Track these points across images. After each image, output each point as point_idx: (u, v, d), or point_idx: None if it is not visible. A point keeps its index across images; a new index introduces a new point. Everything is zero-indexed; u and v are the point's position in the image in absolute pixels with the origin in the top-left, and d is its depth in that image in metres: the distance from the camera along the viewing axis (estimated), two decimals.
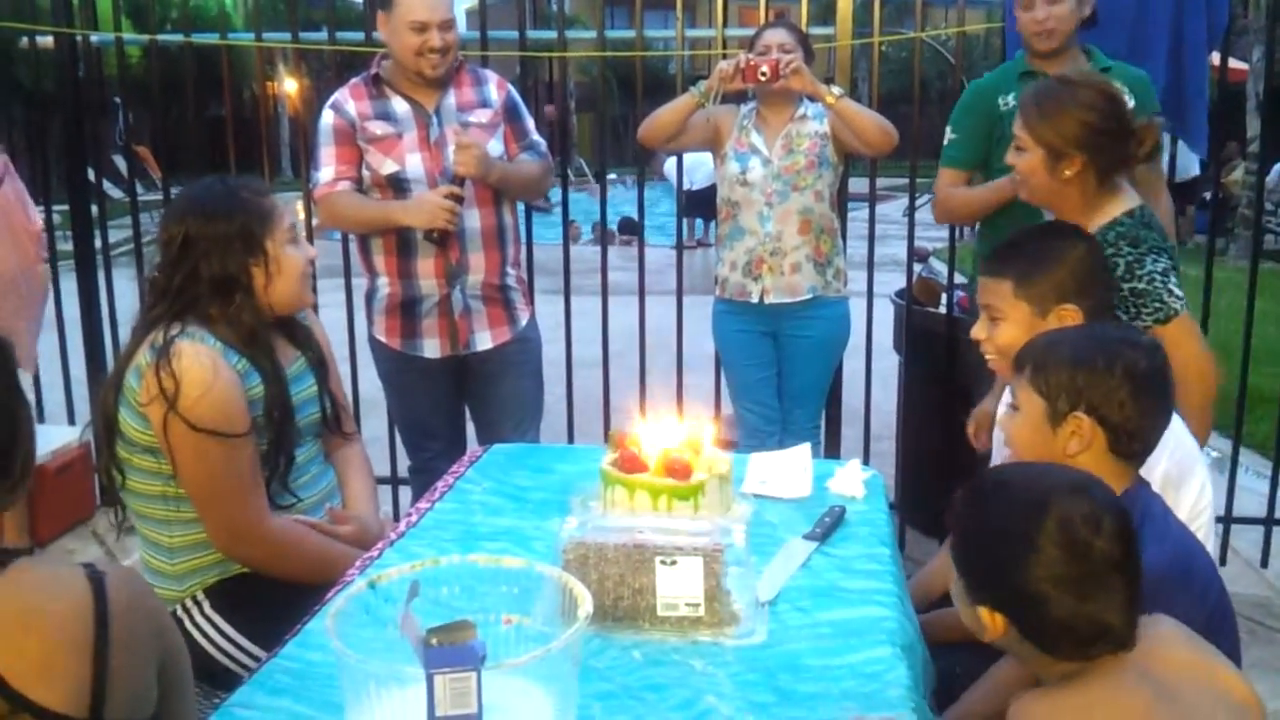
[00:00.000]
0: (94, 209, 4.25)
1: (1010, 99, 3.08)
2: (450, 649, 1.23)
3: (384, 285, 3.19)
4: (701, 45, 4.38)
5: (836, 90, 3.27)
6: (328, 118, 3.14)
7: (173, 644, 1.35)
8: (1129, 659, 1.31)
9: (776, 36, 3.38)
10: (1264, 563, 3.85)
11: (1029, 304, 2.06)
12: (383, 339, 3.25)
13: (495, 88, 3.24)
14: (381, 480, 3.14)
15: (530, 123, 3.32)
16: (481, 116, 3.16)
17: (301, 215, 2.42)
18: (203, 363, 1.99)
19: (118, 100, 5.12)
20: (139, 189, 4.45)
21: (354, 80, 3.19)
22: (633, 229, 4.35)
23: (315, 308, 2.99)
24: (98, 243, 4.18)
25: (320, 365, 2.33)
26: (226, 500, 2.04)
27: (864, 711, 1.47)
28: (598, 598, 1.65)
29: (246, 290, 2.11)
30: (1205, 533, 1.96)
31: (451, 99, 3.14)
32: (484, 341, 3.23)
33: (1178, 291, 2.24)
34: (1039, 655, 1.36)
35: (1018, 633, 1.35)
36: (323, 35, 3.97)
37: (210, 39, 4.02)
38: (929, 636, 1.88)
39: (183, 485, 2.04)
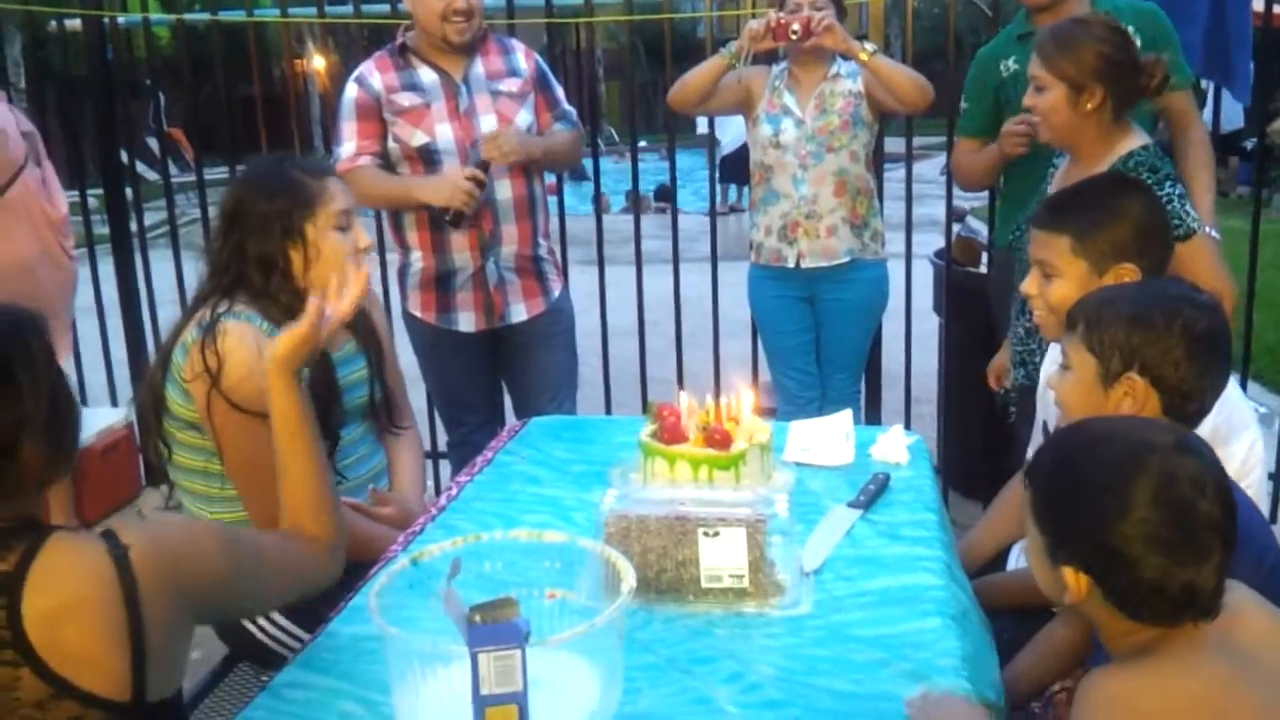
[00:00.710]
0: (129, 192, 4.27)
1: (1010, 63, 3.02)
2: (494, 627, 1.22)
3: (417, 260, 3.16)
4: (730, 5, 4.32)
5: (870, 47, 3.21)
6: (351, 91, 3.10)
7: (207, 579, 1.35)
8: (1209, 629, 1.25)
9: None
10: None
11: (1087, 261, 1.98)
12: (418, 313, 3.23)
13: (523, 57, 3.21)
14: None
15: (560, 91, 3.29)
16: (511, 85, 3.13)
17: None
18: (247, 344, 1.98)
19: (149, 83, 5.11)
20: (173, 170, 4.46)
21: (379, 52, 3.16)
22: (668, 196, 4.29)
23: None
24: (134, 225, 4.20)
25: (373, 349, 2.31)
26: (267, 480, 2.03)
27: (916, 682, 1.45)
28: (640, 571, 1.64)
29: (284, 273, 2.10)
30: (1255, 491, 1.92)
31: (480, 67, 3.11)
32: (519, 314, 3.22)
33: (1194, 213, 2.32)
34: (1119, 620, 1.29)
35: (1101, 595, 1.29)
36: (348, 9, 3.95)
37: (237, 16, 4.00)
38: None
39: (225, 463, 2.04)
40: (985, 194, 3.80)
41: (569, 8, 4.47)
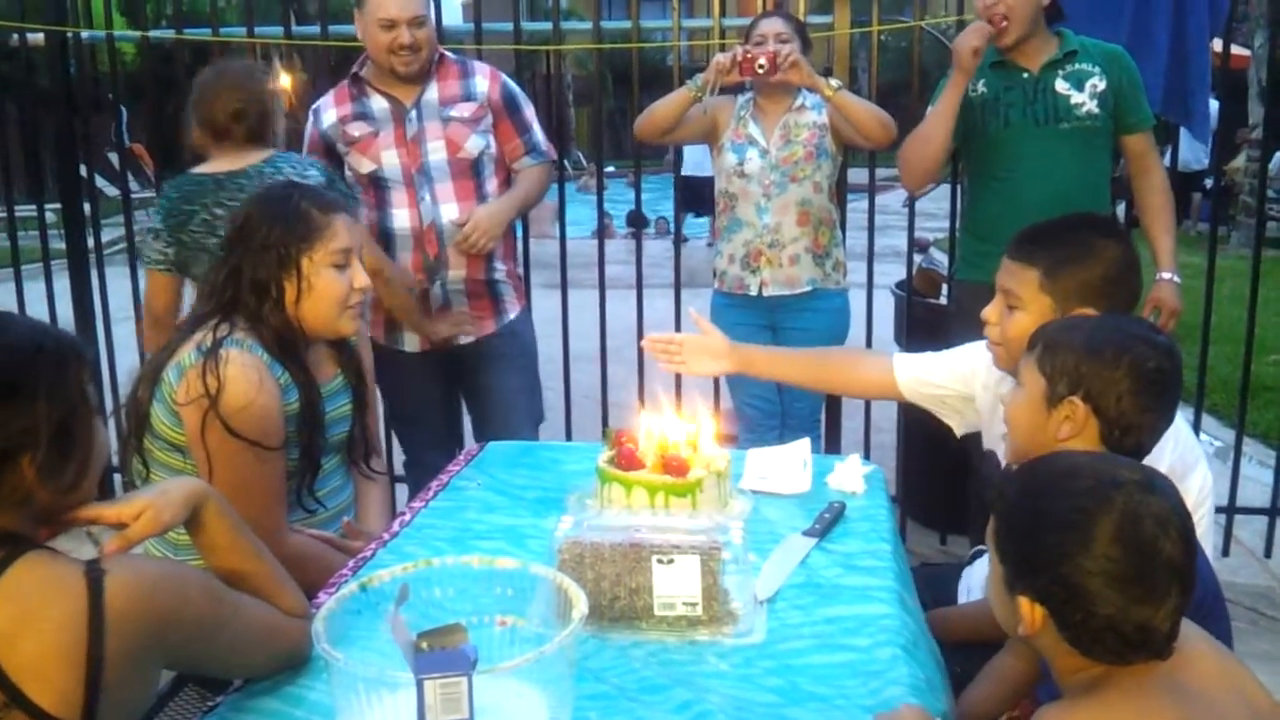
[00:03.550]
0: (87, 207, 4.22)
1: (980, 86, 3.06)
2: (441, 654, 1.21)
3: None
4: (699, 35, 4.35)
5: (835, 83, 3.24)
6: (308, 125, 3.18)
7: (189, 629, 1.34)
8: (1160, 668, 1.25)
9: (773, 26, 3.34)
10: (1267, 553, 3.82)
11: (1052, 298, 1.99)
12: (367, 332, 3.22)
13: (486, 79, 3.20)
14: None
15: (530, 113, 3.27)
16: (464, 110, 3.12)
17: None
18: (249, 375, 1.97)
19: (111, 97, 5.08)
20: (134, 186, 4.42)
21: (342, 83, 3.20)
22: (638, 222, 4.30)
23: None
24: (91, 241, 4.15)
25: (358, 388, 2.31)
26: (249, 511, 2.01)
27: (868, 711, 1.45)
28: (594, 598, 1.63)
29: (276, 301, 2.08)
30: (1206, 525, 1.94)
31: (433, 93, 3.12)
32: (464, 336, 3.22)
33: None
34: (1071, 656, 1.29)
35: (1055, 629, 1.29)
36: (315, 29, 3.94)
37: (203, 34, 3.98)
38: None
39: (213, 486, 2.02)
40: (947, 225, 3.84)
41: (539, 34, 4.48)
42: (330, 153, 3.14)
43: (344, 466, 2.33)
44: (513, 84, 3.27)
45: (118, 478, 3.14)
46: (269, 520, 2.01)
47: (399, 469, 3.98)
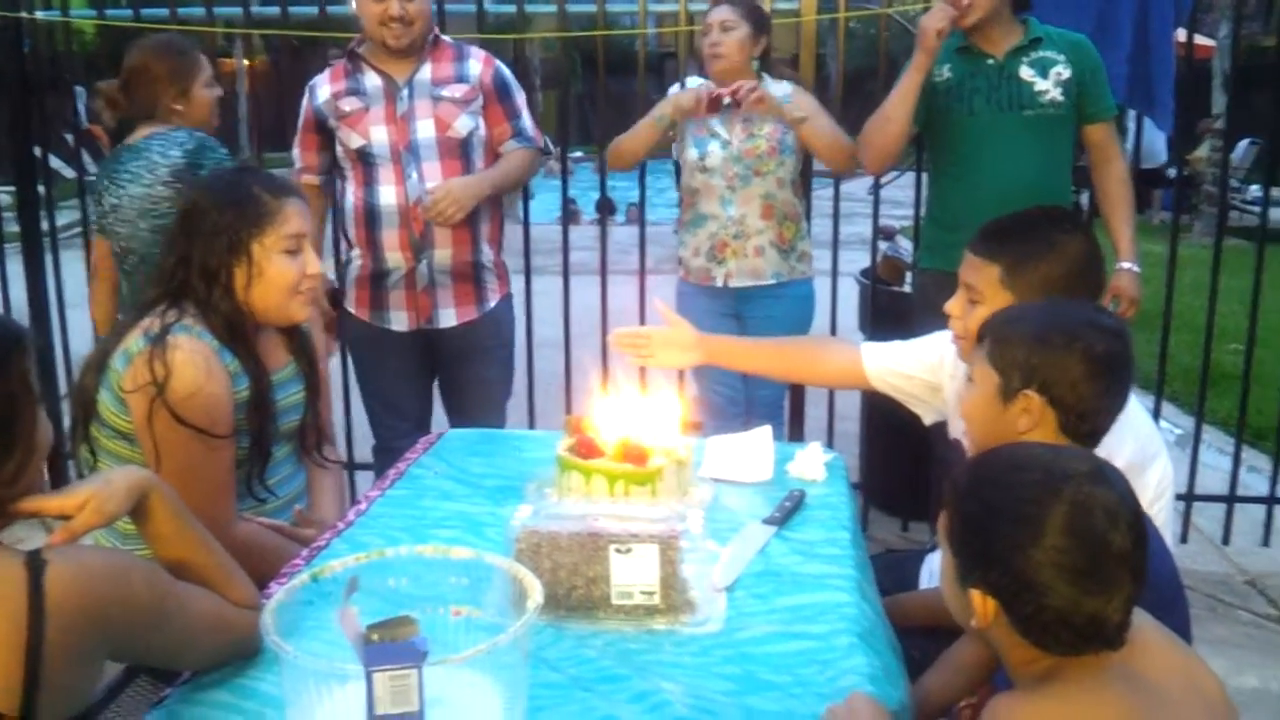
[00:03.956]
0: (41, 190, 4.15)
1: (945, 71, 3.06)
2: (390, 646, 1.19)
3: (356, 256, 3.21)
4: (667, 20, 4.32)
5: (799, 112, 3.23)
6: (304, 101, 3.21)
7: (133, 619, 1.32)
8: (1113, 658, 1.25)
9: (719, 14, 3.32)
10: (1225, 540, 3.87)
11: (1014, 294, 1.98)
12: (353, 310, 3.26)
13: (480, 63, 3.21)
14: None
15: (521, 100, 3.28)
16: (456, 91, 3.13)
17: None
18: (197, 362, 1.94)
19: (67, 78, 4.98)
20: (91, 169, 4.34)
21: (338, 60, 3.23)
22: (606, 208, 4.28)
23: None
24: (45, 224, 4.08)
25: (310, 375, 2.27)
26: (197, 500, 1.98)
27: (824, 699, 1.44)
28: (550, 587, 1.62)
29: (225, 287, 2.05)
30: (1166, 514, 1.95)
31: (427, 73, 3.14)
32: (448, 319, 3.21)
33: None
34: (1023, 648, 1.29)
35: (1007, 621, 1.29)
36: (275, 11, 3.88)
37: (160, 15, 3.92)
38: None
39: (160, 475, 1.99)
40: (912, 213, 3.84)
41: (504, 16, 4.44)
42: (322, 128, 3.17)
43: (295, 455, 2.30)
44: (506, 70, 3.27)
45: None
46: (218, 509, 1.98)
47: (359, 457, 3.97)
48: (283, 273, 2.08)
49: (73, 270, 4.01)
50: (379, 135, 3.08)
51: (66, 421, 2.09)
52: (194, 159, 2.93)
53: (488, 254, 3.23)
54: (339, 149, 3.16)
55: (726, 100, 3.17)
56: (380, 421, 3.41)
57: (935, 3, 2.97)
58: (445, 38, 3.24)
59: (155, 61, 3.01)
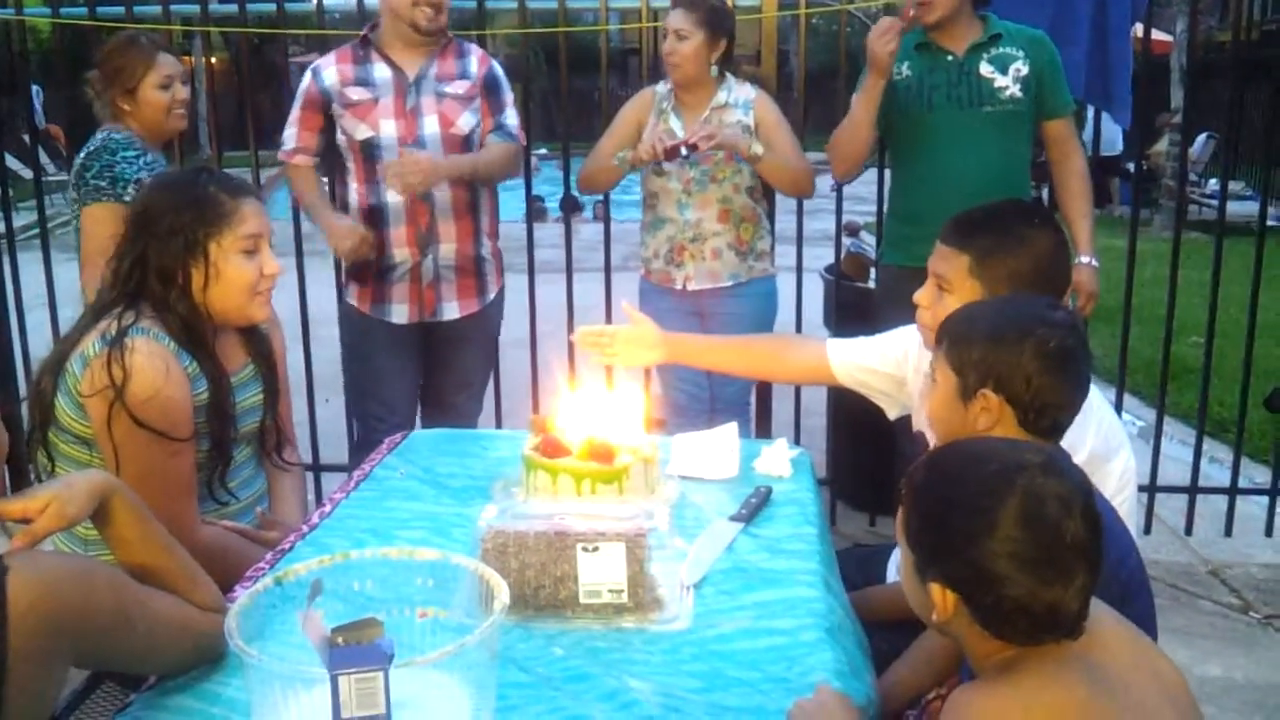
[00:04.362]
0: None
1: (905, 69, 3.08)
2: (356, 648, 1.19)
3: None
4: (630, 16, 4.31)
5: (758, 148, 3.24)
6: (305, 80, 3.21)
7: (96, 625, 1.30)
8: (1072, 648, 1.26)
9: (673, 20, 3.30)
10: (1188, 530, 3.91)
11: (982, 284, 1.99)
12: (354, 302, 3.29)
13: (477, 61, 3.27)
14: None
15: (508, 98, 3.32)
16: (459, 88, 3.19)
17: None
18: (155, 364, 1.92)
19: (30, 82, 4.92)
20: (50, 169, 4.29)
21: (343, 45, 3.24)
22: (572, 206, 4.27)
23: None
24: (2, 226, 4.02)
25: (269, 377, 2.25)
26: (158, 503, 1.96)
27: (791, 694, 1.45)
28: (518, 587, 1.62)
29: (182, 289, 2.02)
30: (1130, 505, 1.97)
31: (434, 68, 3.18)
32: (451, 311, 3.27)
33: None
34: (984, 640, 1.30)
35: (967, 614, 1.29)
36: (233, 8, 3.84)
37: (116, 13, 3.86)
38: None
39: (121, 479, 1.96)
40: (875, 209, 3.86)
41: (466, 12, 4.41)
42: (325, 111, 3.17)
43: (256, 457, 2.28)
44: (499, 69, 3.32)
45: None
46: (180, 513, 1.96)
47: (324, 458, 3.94)
48: (241, 273, 2.05)
49: (31, 272, 3.96)
50: (388, 128, 3.11)
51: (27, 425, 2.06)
52: (83, 163, 2.92)
53: (487, 246, 3.30)
54: (340, 137, 3.17)
55: (684, 151, 3.17)
56: (368, 413, 3.41)
57: (899, 1, 2.97)
58: (449, 33, 3.27)
59: (105, 60, 2.98)
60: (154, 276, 2.01)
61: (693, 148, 3.16)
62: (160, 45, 3.04)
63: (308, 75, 3.20)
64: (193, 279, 2.02)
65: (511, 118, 3.29)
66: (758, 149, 3.23)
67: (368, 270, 3.20)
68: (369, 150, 3.13)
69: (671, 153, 3.18)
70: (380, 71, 3.16)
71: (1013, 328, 1.67)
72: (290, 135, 3.22)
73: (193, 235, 2.01)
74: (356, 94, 3.14)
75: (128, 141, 2.95)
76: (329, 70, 3.18)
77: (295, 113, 3.21)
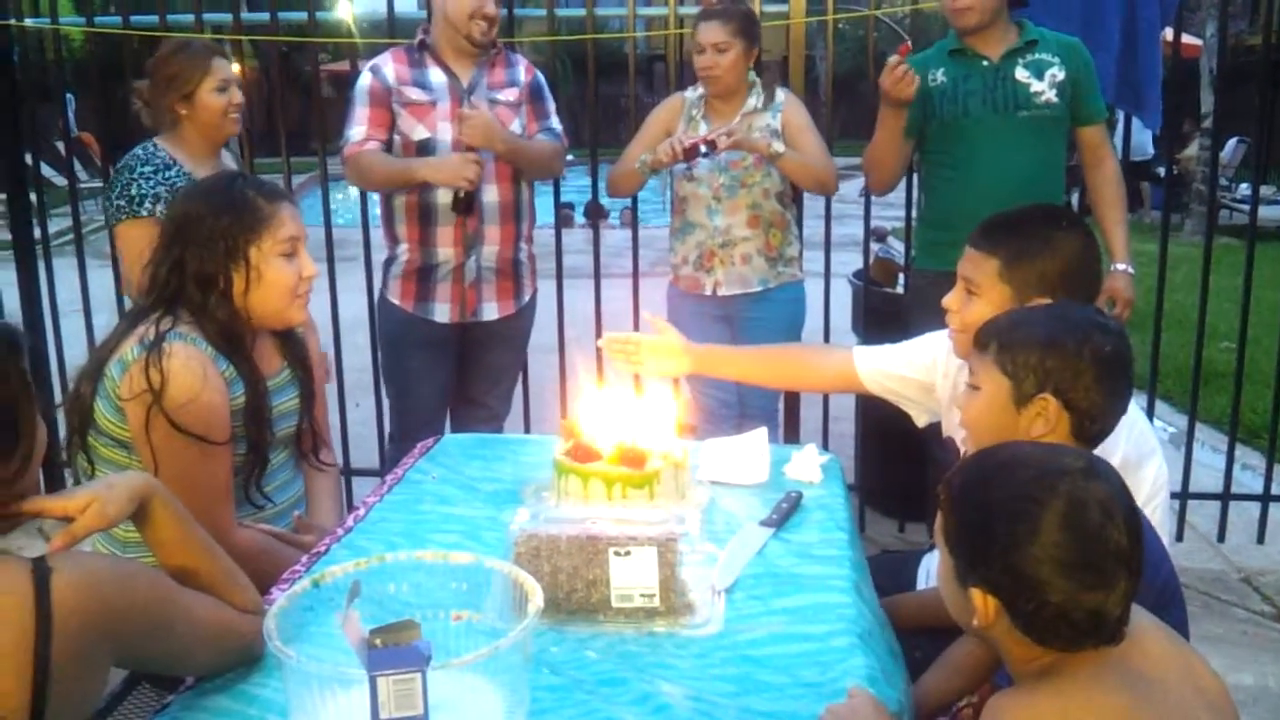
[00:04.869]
0: (34, 198, 4.13)
1: (939, 74, 3.08)
2: (394, 650, 1.19)
3: (404, 252, 3.30)
4: (656, 23, 4.33)
5: (777, 147, 3.25)
6: (365, 80, 3.27)
7: (137, 625, 1.32)
8: (1112, 654, 1.26)
9: (710, 35, 3.30)
10: (1220, 537, 3.88)
11: (1011, 287, 1.99)
12: (396, 300, 3.36)
13: (524, 70, 3.38)
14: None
15: (551, 105, 3.42)
16: (509, 95, 3.30)
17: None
18: (193, 368, 1.94)
19: (64, 90, 4.98)
20: (82, 176, 4.33)
21: (397, 48, 3.33)
22: (599, 213, 4.28)
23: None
24: (38, 232, 4.07)
25: (305, 381, 2.27)
26: (196, 507, 1.98)
27: (824, 699, 1.45)
28: (550, 591, 1.62)
29: (223, 293, 2.05)
30: (1162, 512, 1.95)
31: (486, 77, 3.28)
32: (490, 312, 3.36)
33: None
34: (1024, 646, 1.30)
35: (1008, 619, 1.29)
36: (265, 16, 3.88)
37: (149, 22, 3.91)
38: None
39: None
40: (903, 214, 3.85)
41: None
42: (389, 106, 3.23)
43: (293, 460, 2.30)
44: (542, 78, 3.42)
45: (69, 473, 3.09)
46: (217, 516, 1.98)
47: (355, 463, 3.97)
48: (281, 276, 2.08)
49: (66, 278, 4.01)
50: (445, 130, 3.19)
51: (62, 430, 2.08)
52: (109, 182, 2.97)
53: (525, 250, 3.39)
54: (396, 137, 3.24)
55: (703, 149, 3.17)
56: (404, 408, 3.48)
57: (926, 6, 2.97)
58: (498, 42, 3.34)
59: (160, 66, 2.99)
60: (192, 283, 2.03)
61: (711, 145, 3.17)
62: (214, 50, 3.07)
63: (367, 74, 3.26)
64: (233, 284, 2.05)
65: (557, 123, 3.40)
66: (778, 147, 3.25)
67: (411, 271, 3.27)
68: (424, 151, 3.21)
69: (691, 152, 3.18)
70: (436, 76, 3.24)
71: (1069, 334, 1.66)
72: (359, 131, 3.23)
73: (233, 241, 2.03)
74: (414, 94, 3.22)
75: (148, 157, 2.96)
76: (388, 68, 3.25)
77: (362, 110, 3.24)
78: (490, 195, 3.24)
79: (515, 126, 3.28)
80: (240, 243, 2.04)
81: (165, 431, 1.92)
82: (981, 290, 2.03)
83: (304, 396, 2.26)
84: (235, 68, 3.16)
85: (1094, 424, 1.67)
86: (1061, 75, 3.02)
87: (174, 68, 2.97)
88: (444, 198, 3.18)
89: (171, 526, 1.49)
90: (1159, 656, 1.30)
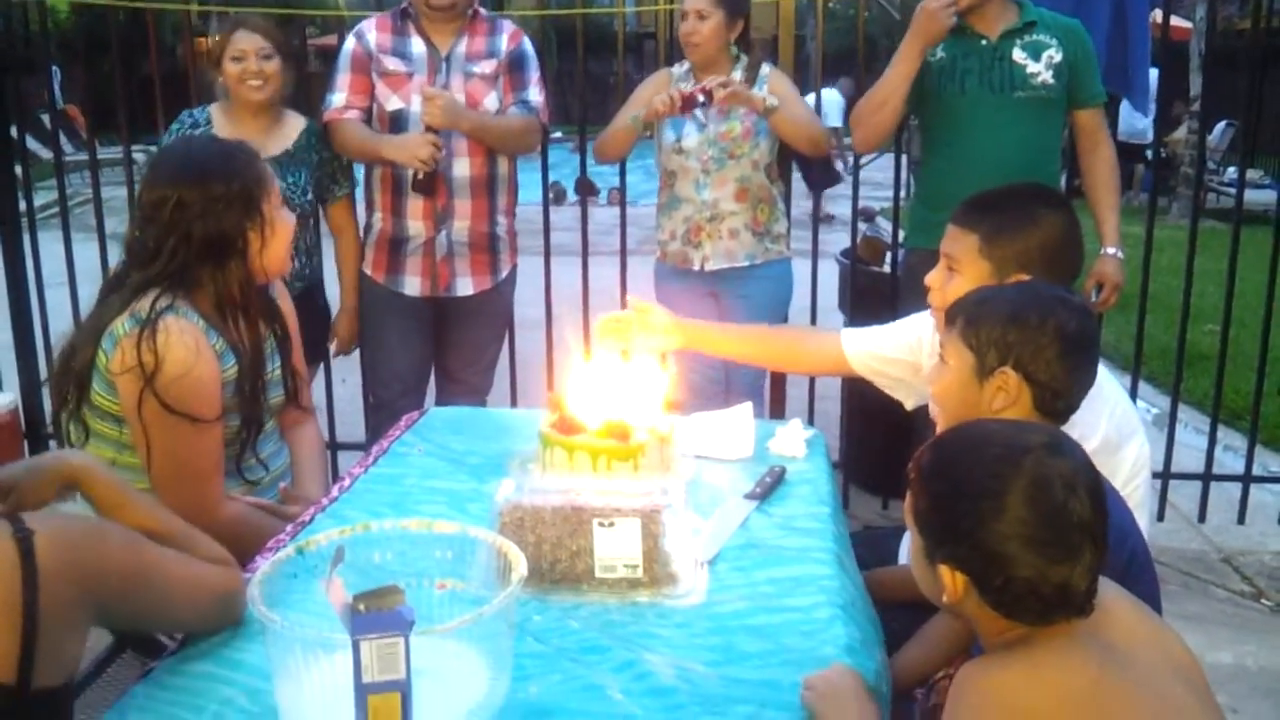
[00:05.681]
0: (19, 170, 4.11)
1: (939, 50, 3.06)
2: (377, 615, 1.20)
3: (378, 221, 3.31)
4: (647, 1, 4.31)
5: (772, 100, 3.24)
6: (349, 44, 3.26)
7: (115, 580, 1.33)
8: (1080, 625, 1.28)
9: (693, 1, 3.30)
10: (1201, 517, 3.90)
11: (991, 264, 2.00)
12: (369, 272, 3.35)
13: (507, 38, 3.29)
14: None
15: (532, 76, 3.32)
16: (486, 67, 3.23)
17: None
18: (186, 343, 1.94)
19: (50, 62, 4.94)
20: (68, 149, 4.31)
21: (383, 12, 3.30)
22: (588, 189, 4.28)
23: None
24: (23, 205, 4.04)
25: (285, 342, 2.28)
26: (186, 482, 1.99)
27: (803, 669, 1.46)
28: (535, 561, 1.63)
29: (241, 254, 2.05)
30: (1144, 492, 1.97)
31: (463, 47, 3.23)
32: (465, 288, 3.33)
33: None
34: (994, 620, 1.32)
35: (977, 595, 1.31)
36: None
37: None
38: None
39: (150, 460, 1.99)
40: (891, 194, 3.86)
41: None
42: (368, 73, 3.22)
43: (278, 431, 2.30)
44: (529, 47, 3.33)
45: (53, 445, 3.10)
46: (207, 489, 1.99)
47: (341, 437, 3.96)
48: (286, 224, 2.14)
49: (51, 251, 3.98)
50: (418, 104, 3.14)
51: (47, 404, 2.08)
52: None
53: (502, 225, 3.35)
54: (375, 105, 3.23)
55: (700, 99, 3.16)
56: (379, 379, 3.49)
57: None
58: (482, 10, 3.30)
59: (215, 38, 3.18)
60: (201, 253, 2.02)
61: (708, 95, 3.14)
62: (240, 22, 3.18)
63: (351, 39, 3.25)
64: (251, 243, 2.06)
65: (534, 95, 3.29)
66: (772, 101, 3.24)
67: (384, 240, 3.28)
68: (396, 122, 3.19)
69: (689, 102, 3.16)
70: (416, 46, 3.22)
71: (1033, 309, 1.68)
72: (339, 97, 3.22)
73: (250, 199, 2.05)
74: (393, 64, 3.20)
75: (185, 119, 3.19)
76: (371, 35, 3.23)
77: (343, 76, 3.24)
78: (461, 169, 3.19)
79: (491, 100, 3.22)
80: (257, 200, 2.06)
81: (156, 407, 1.92)
82: (962, 267, 2.04)
83: (284, 358, 2.26)
84: (202, 43, 3.26)
85: (1058, 399, 1.68)
86: (1059, 57, 3.01)
87: (215, 39, 3.09)
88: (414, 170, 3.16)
89: (110, 495, 1.52)
90: (1129, 627, 1.32)
